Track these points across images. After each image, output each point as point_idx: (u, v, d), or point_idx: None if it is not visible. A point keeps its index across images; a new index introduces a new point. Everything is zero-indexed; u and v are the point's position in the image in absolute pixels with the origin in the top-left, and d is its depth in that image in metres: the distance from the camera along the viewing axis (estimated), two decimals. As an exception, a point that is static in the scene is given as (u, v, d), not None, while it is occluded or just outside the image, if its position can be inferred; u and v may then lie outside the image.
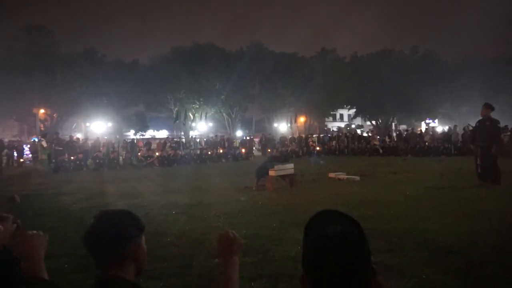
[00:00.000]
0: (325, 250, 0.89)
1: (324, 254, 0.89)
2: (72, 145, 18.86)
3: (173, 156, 19.62)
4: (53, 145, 17.95)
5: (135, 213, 1.30)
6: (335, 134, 28.06)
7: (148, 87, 33.46)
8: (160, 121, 43.67)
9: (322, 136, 27.20)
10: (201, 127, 35.58)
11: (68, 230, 5.22)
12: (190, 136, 30.44)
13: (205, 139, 25.28)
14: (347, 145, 23.85)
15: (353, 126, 49.44)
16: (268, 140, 25.95)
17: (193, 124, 33.78)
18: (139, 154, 19.83)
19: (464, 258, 3.58)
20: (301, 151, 23.97)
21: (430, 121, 40.54)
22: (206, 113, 32.23)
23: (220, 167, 17.08)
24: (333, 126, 52.87)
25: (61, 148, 17.97)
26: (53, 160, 17.34)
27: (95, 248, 1.20)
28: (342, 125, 52.54)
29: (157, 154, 19.75)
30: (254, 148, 27.00)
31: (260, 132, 33.56)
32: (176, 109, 32.47)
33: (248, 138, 27.98)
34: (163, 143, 22.32)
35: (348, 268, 0.87)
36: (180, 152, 20.73)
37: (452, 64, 38.52)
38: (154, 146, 22.62)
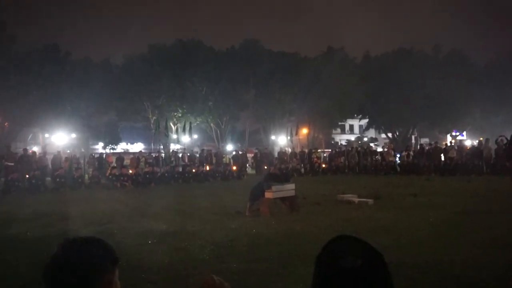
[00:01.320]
0: None
1: None
2: (26, 160, 18.66)
3: (149, 174, 19.54)
4: (3, 160, 17.77)
5: (108, 242, 1.31)
6: (344, 148, 28.21)
7: (121, 92, 33.50)
8: (135, 132, 43.60)
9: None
10: (184, 140, 35.54)
11: (20, 264, 5.15)
12: (171, 150, 30.36)
13: (188, 154, 25.26)
14: (358, 162, 23.98)
15: (365, 139, 49.78)
16: (264, 156, 25.98)
17: (175, 136, 33.73)
18: (108, 171, 19.72)
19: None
20: (303, 169, 24.00)
21: (457, 133, 40.92)
22: (191, 123, 32.20)
23: (207, 188, 17.10)
24: (342, 139, 53.17)
25: (12, 164, 17.79)
26: (2, 178, 17.14)
27: (58, 283, 1.18)
28: (353, 138, 52.87)
29: (130, 171, 19.67)
30: (247, 165, 26.98)
31: (255, 146, 33.57)
32: (154, 118, 32.45)
33: (240, 153, 27.99)
34: (136, 158, 22.28)
35: None
36: (158, 170, 20.63)
37: (482, 65, 39.06)
38: (127, 162, 22.54)
